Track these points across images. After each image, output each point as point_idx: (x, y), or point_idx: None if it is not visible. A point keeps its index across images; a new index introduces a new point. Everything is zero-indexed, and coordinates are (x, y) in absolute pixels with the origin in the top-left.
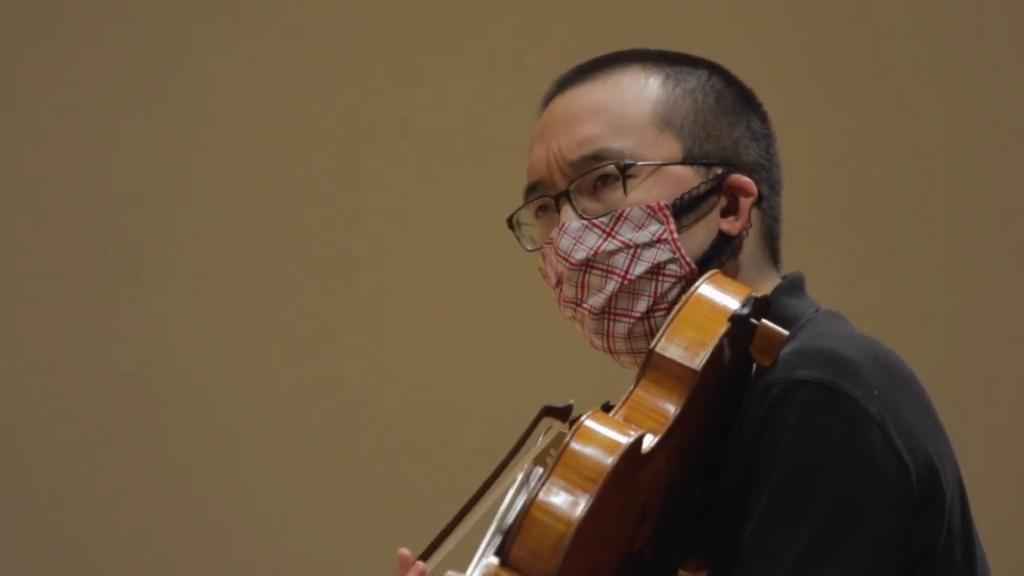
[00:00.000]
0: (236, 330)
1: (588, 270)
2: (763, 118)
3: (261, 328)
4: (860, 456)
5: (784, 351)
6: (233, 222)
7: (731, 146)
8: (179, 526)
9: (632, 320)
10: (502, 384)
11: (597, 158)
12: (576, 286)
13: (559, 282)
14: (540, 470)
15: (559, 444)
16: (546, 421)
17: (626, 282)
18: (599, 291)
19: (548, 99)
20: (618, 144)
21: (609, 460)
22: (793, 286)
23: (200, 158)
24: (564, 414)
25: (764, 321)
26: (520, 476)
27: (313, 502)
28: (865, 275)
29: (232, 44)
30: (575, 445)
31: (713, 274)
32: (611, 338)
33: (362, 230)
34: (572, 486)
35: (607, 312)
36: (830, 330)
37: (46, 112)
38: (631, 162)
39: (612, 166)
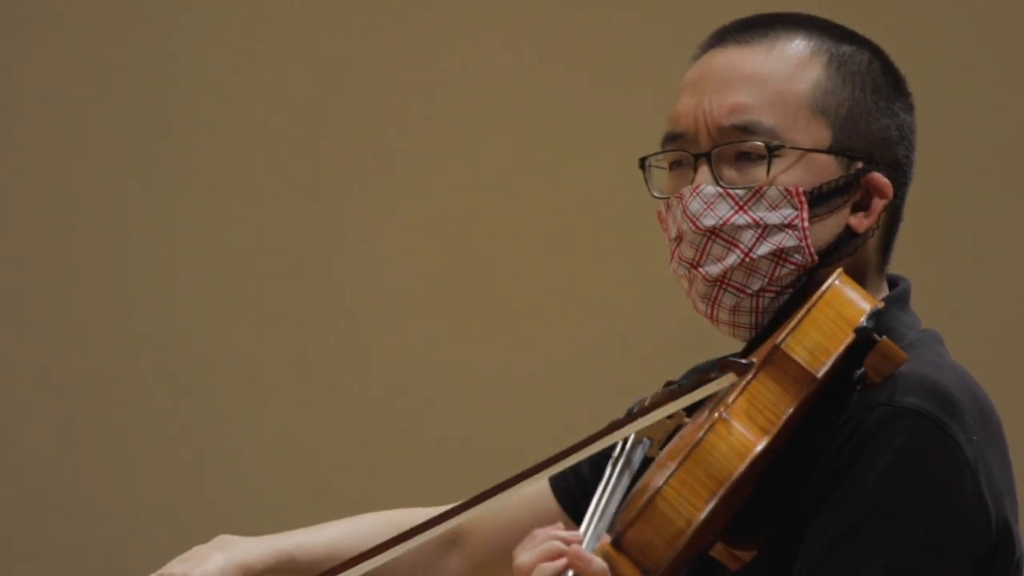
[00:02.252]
0: (239, 327)
1: (713, 238)
2: (910, 108)
3: (263, 327)
4: (952, 498)
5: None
6: (233, 220)
7: (877, 142)
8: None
9: (743, 295)
10: (506, 384)
11: (747, 130)
12: (697, 249)
13: (679, 238)
14: (647, 442)
15: (664, 423)
16: (728, 376)
17: (747, 260)
18: (718, 261)
19: (706, 48)
20: (770, 120)
21: (740, 466)
22: (902, 299)
23: (199, 154)
24: (743, 369)
25: (886, 339)
26: (628, 447)
27: (317, 501)
28: None
29: (230, 43)
30: (709, 441)
31: (840, 275)
32: (717, 307)
33: (357, 229)
34: (699, 485)
35: (721, 282)
36: (937, 359)
37: (42, 107)
38: (780, 144)
39: (761, 144)
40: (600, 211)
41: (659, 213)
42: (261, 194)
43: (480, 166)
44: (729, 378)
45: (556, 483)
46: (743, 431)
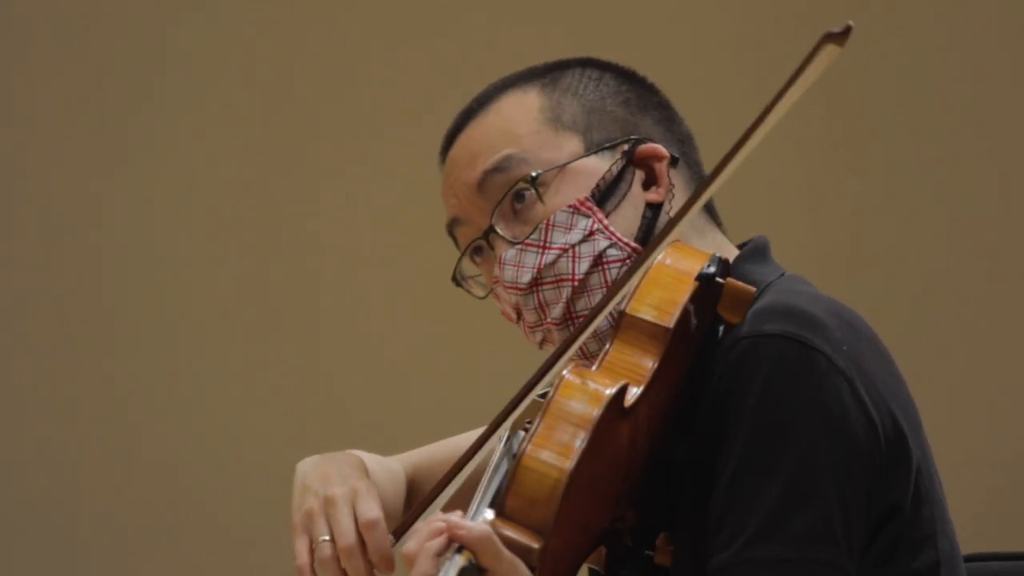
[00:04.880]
0: (230, 325)
1: (539, 288)
2: (649, 88)
3: (260, 326)
4: (831, 409)
5: (752, 309)
6: (219, 223)
7: (627, 121)
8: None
9: None
10: (490, 388)
11: (498, 169)
12: (535, 308)
13: (519, 314)
14: (523, 434)
15: (537, 410)
16: (830, 49)
17: (576, 283)
18: (556, 302)
19: (443, 153)
20: (517, 151)
21: (595, 411)
22: (756, 251)
23: (193, 156)
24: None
25: (730, 279)
26: (502, 443)
27: None
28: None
29: (220, 39)
30: (561, 397)
31: (673, 242)
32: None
33: (346, 229)
34: (562, 435)
35: (568, 318)
36: (795, 288)
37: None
38: (539, 171)
39: (523, 182)
40: None
41: (503, 312)
42: (252, 189)
43: None
44: (831, 51)
45: None
46: (596, 383)
